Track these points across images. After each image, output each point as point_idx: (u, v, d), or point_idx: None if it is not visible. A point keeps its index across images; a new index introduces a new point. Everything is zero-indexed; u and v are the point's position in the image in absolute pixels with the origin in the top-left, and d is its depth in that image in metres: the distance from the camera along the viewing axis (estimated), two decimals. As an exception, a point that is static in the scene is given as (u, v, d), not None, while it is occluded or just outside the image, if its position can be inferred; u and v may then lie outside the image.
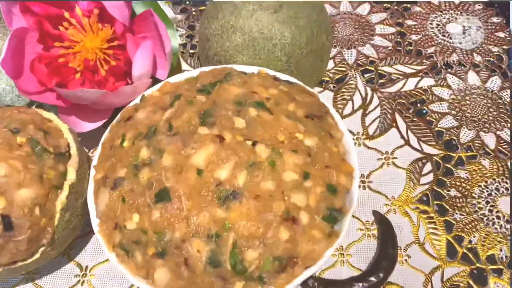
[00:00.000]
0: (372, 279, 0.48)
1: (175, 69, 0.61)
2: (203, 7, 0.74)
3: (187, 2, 0.76)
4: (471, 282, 0.48)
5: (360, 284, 0.47)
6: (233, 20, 0.56)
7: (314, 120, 0.48)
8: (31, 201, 0.41)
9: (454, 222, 0.52)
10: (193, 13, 0.74)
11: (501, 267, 0.48)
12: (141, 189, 0.44)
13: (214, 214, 0.41)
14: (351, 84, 0.63)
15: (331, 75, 0.64)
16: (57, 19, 0.54)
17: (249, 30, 0.55)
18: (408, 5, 0.72)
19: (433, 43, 0.67)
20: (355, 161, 0.47)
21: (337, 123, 0.50)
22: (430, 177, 0.55)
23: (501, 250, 0.50)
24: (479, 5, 0.71)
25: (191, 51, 0.69)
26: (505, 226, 0.51)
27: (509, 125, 0.58)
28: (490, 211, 0.52)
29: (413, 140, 0.58)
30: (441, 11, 0.71)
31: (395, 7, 0.72)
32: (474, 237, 0.51)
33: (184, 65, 0.67)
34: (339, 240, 0.43)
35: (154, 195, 0.43)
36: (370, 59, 0.66)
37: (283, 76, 0.54)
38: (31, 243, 0.42)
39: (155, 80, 0.55)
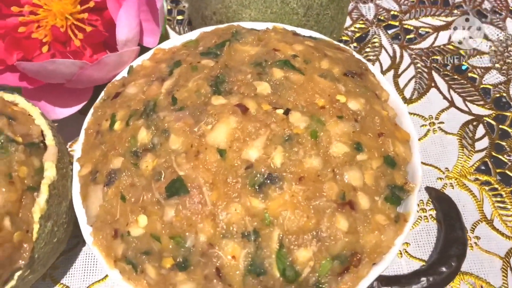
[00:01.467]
0: (443, 269, 0.38)
1: (163, 38, 0.50)
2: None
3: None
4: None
5: (430, 278, 0.38)
6: (235, -32, 0.45)
7: (355, 78, 0.38)
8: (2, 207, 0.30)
9: (524, 191, 0.43)
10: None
11: None
12: (144, 182, 0.34)
13: (248, 206, 0.32)
14: (374, 42, 0.54)
15: (350, 33, 0.54)
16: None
17: (257, -22, 0.44)
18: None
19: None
20: (410, 124, 0.38)
21: (380, 82, 0.40)
22: (485, 142, 0.46)
23: None
24: None
25: (179, 17, 0.57)
26: None
27: None
28: None
29: (458, 101, 0.49)
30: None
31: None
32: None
33: (171, 34, 0.55)
34: (409, 224, 0.33)
35: (164, 188, 0.32)
36: (391, 13, 0.57)
37: (304, 32, 0.44)
38: (2, 267, 0.30)
39: (142, 50, 0.44)
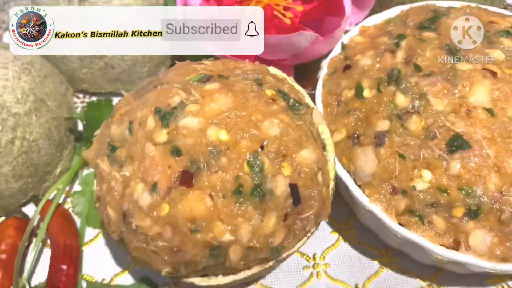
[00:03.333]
0: None
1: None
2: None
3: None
4: None
5: None
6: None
7: None
8: (316, 163, 0.31)
9: None
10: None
11: None
12: (418, 141, 0.35)
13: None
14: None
15: None
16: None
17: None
18: None
19: None
20: None
21: None
22: None
23: None
24: None
25: None
26: None
27: None
28: None
29: None
30: None
31: None
32: None
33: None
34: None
35: (445, 144, 0.34)
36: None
37: (492, 8, 0.47)
38: (316, 219, 0.32)
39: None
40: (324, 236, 0.43)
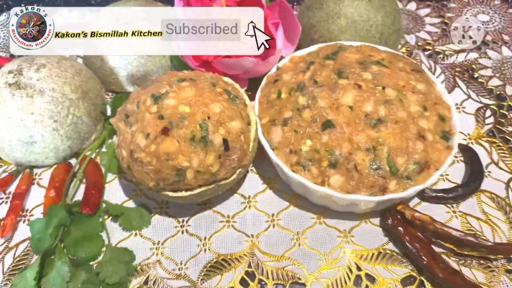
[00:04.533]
0: (471, 186, 0.65)
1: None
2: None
3: None
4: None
5: (465, 188, 0.65)
6: (337, 9, 0.74)
7: (418, 73, 0.66)
8: (240, 129, 0.57)
9: (516, 147, 0.70)
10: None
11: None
12: (306, 124, 0.60)
13: (369, 135, 0.58)
14: (417, 59, 0.82)
15: (400, 52, 0.83)
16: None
17: (351, 15, 0.73)
18: (444, 2, 0.93)
19: (470, 28, 0.88)
20: (449, 100, 0.65)
21: (429, 75, 0.68)
22: (491, 119, 0.74)
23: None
24: (497, 0, 0.93)
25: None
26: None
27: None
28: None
29: (473, 95, 0.77)
30: (471, 6, 0.93)
31: (435, 4, 0.93)
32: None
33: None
34: (453, 152, 0.60)
35: (321, 125, 0.59)
36: (426, 41, 0.85)
37: (381, 47, 0.72)
38: (239, 162, 0.57)
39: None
40: (257, 186, 0.68)
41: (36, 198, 0.66)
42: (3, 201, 0.66)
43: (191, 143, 0.53)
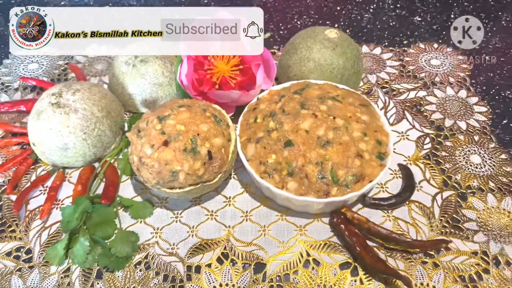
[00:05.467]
0: (402, 196, 0.84)
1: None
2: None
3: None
4: (458, 199, 0.84)
5: (397, 198, 0.83)
6: (307, 54, 0.94)
7: (364, 107, 0.86)
8: (222, 144, 0.77)
9: (445, 168, 0.89)
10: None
11: (474, 191, 0.85)
12: (273, 142, 0.80)
13: (318, 152, 0.77)
14: (375, 95, 1.02)
15: (361, 90, 1.03)
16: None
17: (318, 59, 0.93)
18: (405, 48, 1.13)
19: (423, 71, 1.08)
20: (388, 129, 0.84)
21: (375, 109, 0.88)
22: (429, 145, 0.92)
23: (474, 182, 0.87)
24: (449, 48, 1.13)
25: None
26: (474, 169, 0.88)
27: (473, 118, 0.97)
28: (466, 162, 0.90)
29: (417, 126, 0.96)
30: (426, 52, 1.12)
31: (397, 49, 1.13)
32: (458, 176, 0.88)
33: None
34: (385, 169, 0.79)
35: (283, 143, 0.79)
36: (385, 80, 1.05)
37: (341, 86, 0.92)
38: (219, 168, 0.77)
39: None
40: (237, 189, 0.87)
41: (66, 191, 0.86)
42: (41, 193, 0.86)
43: (183, 153, 0.72)
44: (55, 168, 0.87)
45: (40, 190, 0.85)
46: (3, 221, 0.80)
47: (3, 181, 0.86)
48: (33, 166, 0.89)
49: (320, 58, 0.91)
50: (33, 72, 1.05)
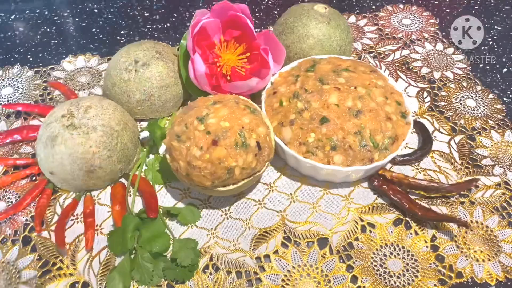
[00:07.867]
0: (425, 147, 0.91)
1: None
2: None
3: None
4: (469, 141, 0.93)
5: (421, 151, 0.90)
6: (305, 32, 0.96)
7: (375, 72, 0.91)
8: (266, 132, 0.77)
9: (449, 116, 0.97)
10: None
11: (479, 131, 0.95)
12: (307, 121, 0.82)
13: (354, 123, 0.81)
14: (365, 60, 1.07)
15: (353, 58, 1.08)
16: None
17: (317, 35, 0.96)
18: (376, 12, 1.20)
19: (399, 31, 1.15)
20: (399, 88, 0.90)
21: (382, 73, 0.93)
22: (428, 98, 1.00)
23: (476, 123, 0.96)
24: (413, 7, 1.22)
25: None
26: (472, 112, 0.98)
27: (455, 67, 1.07)
28: (464, 107, 0.99)
29: (412, 82, 1.03)
30: (395, 13, 1.20)
31: (369, 15, 1.19)
32: (462, 121, 0.97)
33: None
34: (411, 126, 0.85)
35: (319, 121, 0.81)
36: (369, 45, 1.11)
37: (344, 57, 0.96)
38: (268, 157, 0.78)
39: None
40: (274, 175, 0.89)
41: (99, 215, 0.82)
42: (73, 222, 0.81)
43: (235, 148, 0.72)
44: (81, 194, 0.82)
45: (72, 220, 0.80)
46: (44, 260, 0.74)
47: (26, 219, 0.79)
48: (53, 196, 0.83)
49: (319, 33, 0.94)
50: (10, 97, 0.96)
